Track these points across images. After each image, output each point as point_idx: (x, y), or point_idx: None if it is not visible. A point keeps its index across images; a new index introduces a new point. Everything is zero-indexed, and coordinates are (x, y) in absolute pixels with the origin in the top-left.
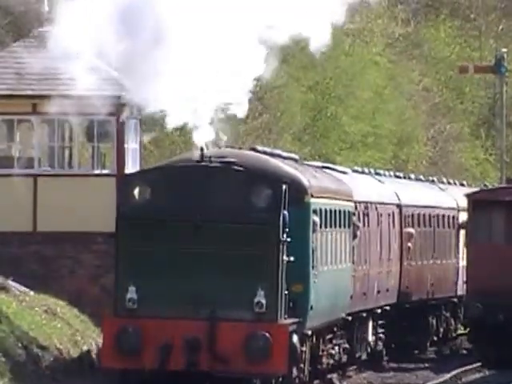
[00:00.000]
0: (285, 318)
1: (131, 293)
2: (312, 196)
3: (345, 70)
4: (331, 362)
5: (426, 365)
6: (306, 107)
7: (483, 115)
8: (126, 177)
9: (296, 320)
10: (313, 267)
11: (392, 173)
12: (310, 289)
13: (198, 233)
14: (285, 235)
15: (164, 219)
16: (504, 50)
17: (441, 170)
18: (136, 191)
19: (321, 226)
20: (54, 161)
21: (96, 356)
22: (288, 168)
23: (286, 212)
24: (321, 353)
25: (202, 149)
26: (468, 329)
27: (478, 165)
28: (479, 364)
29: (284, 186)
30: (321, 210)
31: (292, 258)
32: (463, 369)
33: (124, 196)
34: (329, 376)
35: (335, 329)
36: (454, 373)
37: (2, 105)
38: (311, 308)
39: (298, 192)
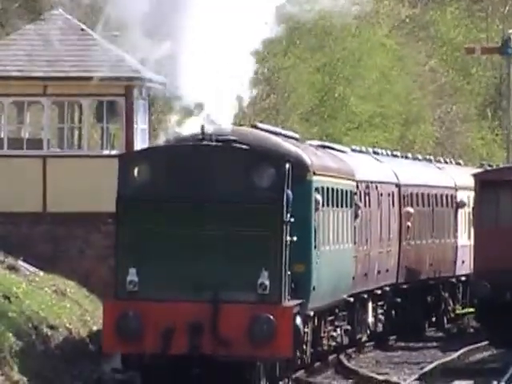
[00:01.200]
0: (288, 300)
1: (132, 275)
2: (314, 174)
3: (352, 52)
4: (333, 343)
5: (434, 344)
6: (314, 88)
7: (490, 96)
8: (126, 156)
9: (299, 301)
10: (315, 247)
11: (389, 152)
12: (312, 269)
13: (199, 213)
14: (288, 215)
15: (164, 200)
16: (511, 31)
17: (447, 150)
18: (136, 171)
19: (323, 205)
20: (64, 142)
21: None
22: (289, 146)
23: (289, 191)
24: (322, 334)
25: (202, 127)
26: (468, 309)
27: (485, 145)
28: (487, 343)
29: (287, 165)
30: (323, 188)
31: (295, 238)
32: (471, 347)
33: (123, 176)
34: (332, 356)
35: (336, 310)
36: (461, 351)
37: (12, 86)
38: (313, 289)
39: (300, 170)
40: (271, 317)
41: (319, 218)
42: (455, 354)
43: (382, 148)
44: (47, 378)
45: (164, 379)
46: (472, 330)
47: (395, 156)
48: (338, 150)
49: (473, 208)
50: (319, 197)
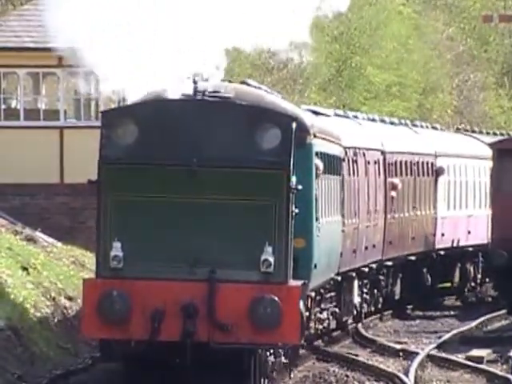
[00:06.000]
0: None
1: (116, 249)
2: (314, 136)
3: (369, 21)
4: (320, 327)
5: (452, 313)
6: (331, 58)
7: (507, 64)
8: (109, 113)
9: (303, 281)
10: (316, 219)
11: (369, 116)
12: (313, 244)
13: (194, 179)
14: (294, 182)
15: (154, 163)
16: None
17: (466, 119)
18: (121, 130)
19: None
20: (80, 113)
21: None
22: (287, 105)
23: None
24: (312, 317)
25: (195, 81)
26: (445, 284)
27: (503, 113)
28: (505, 311)
29: (294, 125)
30: (321, 153)
31: (297, 210)
32: (488, 316)
33: (106, 136)
34: (348, 325)
35: (322, 290)
36: (479, 320)
37: (27, 58)
38: (315, 266)
39: (300, 131)
40: (276, 298)
41: (319, 187)
42: (473, 323)
43: (399, 117)
44: (65, 349)
45: (152, 369)
46: (490, 299)
47: (374, 120)
48: (322, 114)
49: (490, 177)
50: (320, 162)
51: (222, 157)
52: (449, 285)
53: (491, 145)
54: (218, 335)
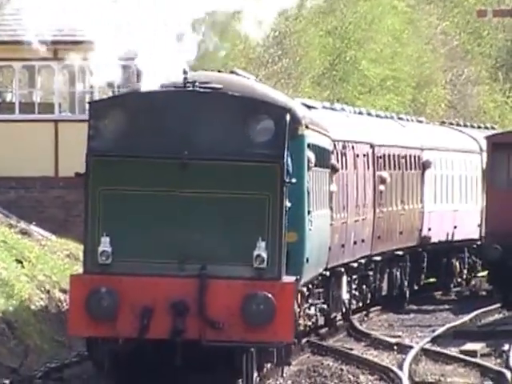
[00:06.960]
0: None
1: (104, 245)
2: (306, 127)
3: (363, 15)
4: (309, 323)
5: (446, 306)
6: (325, 52)
7: (501, 58)
8: (97, 104)
9: (296, 277)
10: (308, 212)
11: (356, 109)
12: (305, 238)
13: (185, 172)
14: (288, 176)
15: (143, 155)
16: None
17: (459, 113)
18: (109, 121)
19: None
20: (75, 106)
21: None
22: (278, 95)
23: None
24: (301, 313)
25: (185, 71)
26: (432, 279)
27: (496, 107)
28: (499, 305)
29: (288, 116)
30: (313, 145)
31: (289, 204)
32: (483, 310)
33: (94, 127)
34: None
35: (310, 286)
36: (473, 314)
37: (23, 51)
38: (307, 261)
39: (293, 122)
40: (269, 295)
41: (311, 179)
42: (467, 317)
43: (393, 111)
44: (60, 342)
45: (141, 367)
46: (484, 293)
47: (360, 113)
48: (310, 107)
49: (484, 170)
50: (312, 154)
51: (214, 149)
52: (434, 280)
53: (485, 138)
54: (209, 333)
